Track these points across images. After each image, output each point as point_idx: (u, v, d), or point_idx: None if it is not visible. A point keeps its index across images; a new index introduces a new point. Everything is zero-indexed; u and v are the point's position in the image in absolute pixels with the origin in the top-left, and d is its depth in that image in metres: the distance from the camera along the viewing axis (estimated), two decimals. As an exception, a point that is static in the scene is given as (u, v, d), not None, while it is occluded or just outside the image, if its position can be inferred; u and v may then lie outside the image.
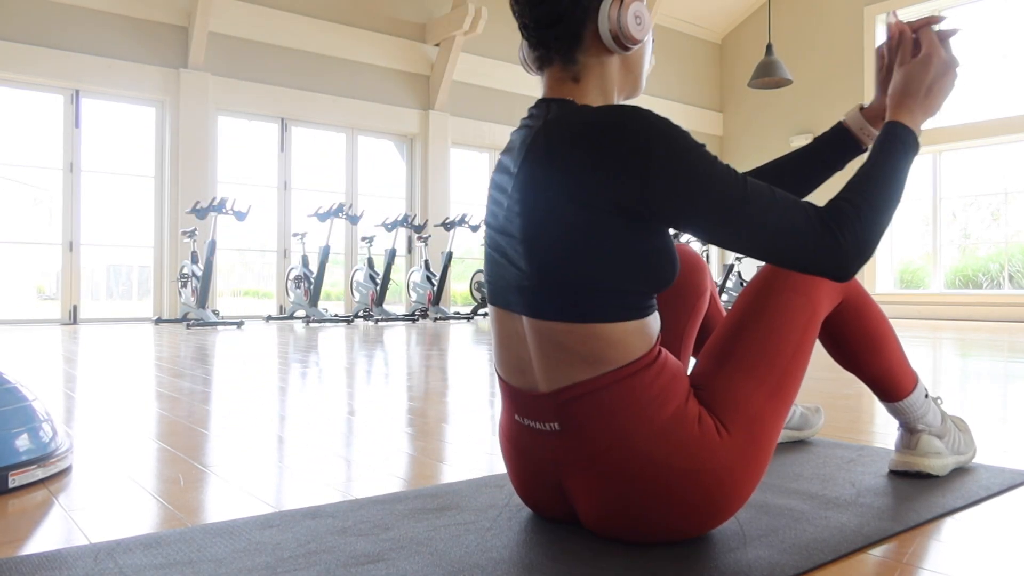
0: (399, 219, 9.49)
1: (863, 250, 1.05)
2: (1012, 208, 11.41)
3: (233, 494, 1.50)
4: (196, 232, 8.47)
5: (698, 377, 1.19)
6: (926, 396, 1.53)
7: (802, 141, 13.03)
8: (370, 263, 9.78)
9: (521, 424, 1.20)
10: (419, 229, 9.89)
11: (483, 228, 10.51)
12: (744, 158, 14.02)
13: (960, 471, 1.60)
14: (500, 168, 1.22)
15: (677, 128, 1.05)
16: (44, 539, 1.24)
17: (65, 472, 1.67)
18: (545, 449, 1.17)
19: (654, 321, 1.14)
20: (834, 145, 1.38)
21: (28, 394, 1.74)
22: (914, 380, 1.51)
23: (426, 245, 10.30)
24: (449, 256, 9.80)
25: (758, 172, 1.47)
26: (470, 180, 11.63)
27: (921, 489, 1.46)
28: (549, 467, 1.18)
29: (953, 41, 1.17)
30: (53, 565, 1.09)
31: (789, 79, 8.71)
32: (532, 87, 11.51)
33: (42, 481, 1.59)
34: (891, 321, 10.16)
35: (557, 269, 1.09)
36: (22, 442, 1.60)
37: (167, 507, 1.41)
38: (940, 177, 11.89)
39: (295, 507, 1.40)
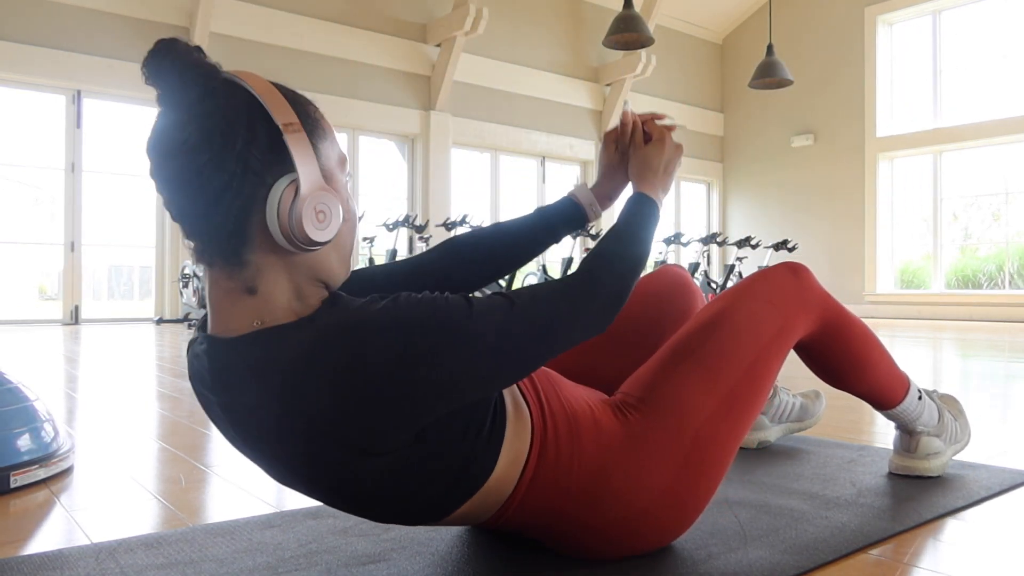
0: (400, 219, 9.50)
1: (618, 301, 1.03)
2: (1013, 208, 11.40)
3: (234, 494, 1.50)
4: (197, 232, 8.47)
5: (648, 373, 1.15)
6: (919, 397, 1.53)
7: (803, 141, 13.03)
8: (371, 263, 9.78)
9: None
10: (420, 229, 9.89)
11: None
12: (745, 158, 14.02)
13: (960, 471, 1.60)
14: (224, 422, 0.97)
15: (417, 321, 0.86)
16: (46, 539, 1.24)
17: (67, 472, 1.68)
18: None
19: (512, 408, 1.02)
20: (564, 216, 1.28)
21: (30, 394, 1.75)
22: (905, 385, 1.50)
23: (427, 245, 10.31)
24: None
25: (494, 231, 1.28)
26: (471, 180, 11.63)
27: (921, 489, 1.46)
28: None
29: (674, 134, 1.26)
30: (55, 565, 1.09)
31: (790, 79, 8.71)
32: (534, 88, 11.52)
33: (44, 481, 1.60)
34: (891, 321, 10.16)
35: (385, 510, 0.98)
36: (24, 442, 1.60)
37: (168, 507, 1.41)
38: (941, 177, 11.88)
39: (296, 507, 1.40)
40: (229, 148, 0.85)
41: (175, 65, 0.88)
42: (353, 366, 0.84)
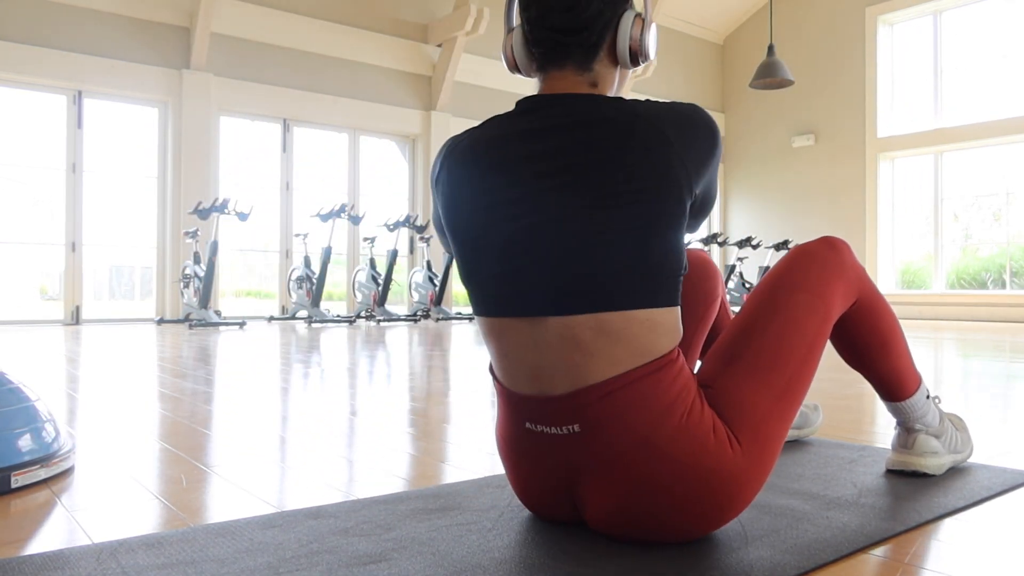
0: (401, 220, 9.50)
1: None
2: (1014, 209, 11.40)
3: (235, 494, 1.50)
4: (198, 232, 8.48)
5: (705, 377, 1.18)
6: (927, 397, 1.54)
7: (804, 142, 13.03)
8: (372, 263, 9.78)
9: (532, 430, 1.18)
10: (421, 230, 9.89)
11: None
12: (745, 158, 14.01)
13: (961, 471, 1.60)
14: (501, 170, 1.16)
15: (715, 124, 1.19)
16: (47, 539, 1.24)
17: (68, 472, 1.68)
18: (559, 453, 1.16)
19: (679, 320, 1.16)
20: None
21: (31, 394, 1.75)
22: (917, 381, 1.51)
23: (428, 245, 10.31)
24: (451, 257, 9.78)
25: None
26: (472, 181, 11.62)
27: (922, 489, 1.46)
28: (561, 471, 1.18)
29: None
30: (56, 565, 1.09)
31: (791, 80, 8.70)
32: (535, 88, 11.50)
33: (45, 481, 1.60)
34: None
35: (619, 255, 1.09)
36: (25, 442, 1.60)
37: (169, 507, 1.42)
38: (942, 178, 11.88)
39: (297, 507, 1.40)
40: None
41: None
42: (677, 117, 1.13)
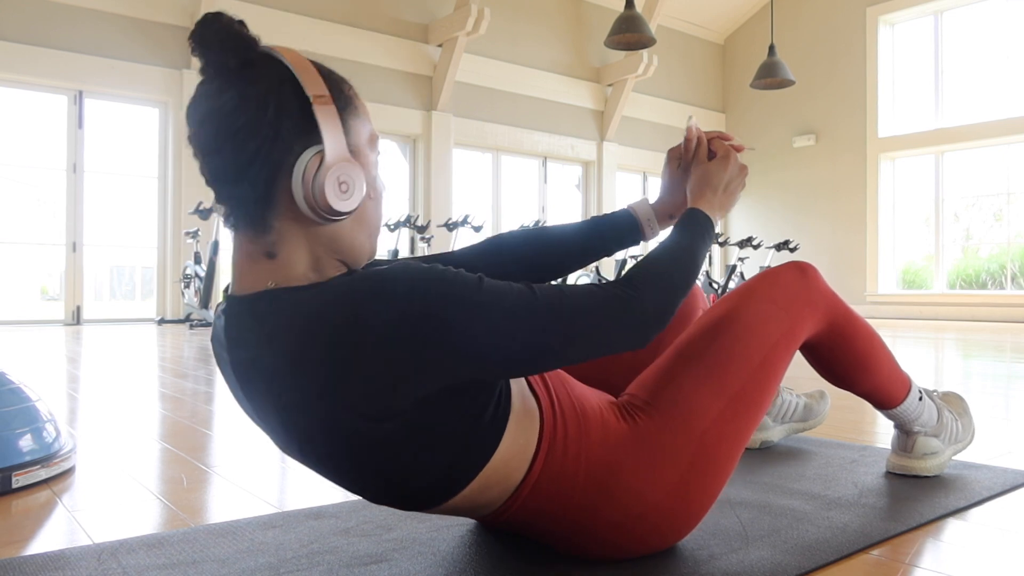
0: (402, 220, 9.50)
1: (661, 318, 1.00)
2: (1014, 209, 11.39)
3: (236, 494, 1.50)
4: (199, 233, 8.48)
5: (655, 375, 1.14)
6: (920, 397, 1.53)
7: (804, 142, 13.02)
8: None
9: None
10: (422, 230, 9.90)
11: (486, 230, 10.51)
12: (747, 159, 14.01)
13: (962, 471, 1.60)
14: (238, 389, 0.98)
15: (422, 289, 0.86)
16: (48, 539, 1.25)
17: (68, 472, 1.68)
18: (501, 526, 1.13)
19: (518, 400, 1.01)
20: (618, 229, 1.26)
21: (31, 394, 1.75)
22: (907, 386, 1.50)
23: (429, 245, 10.31)
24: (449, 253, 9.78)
25: (541, 232, 1.28)
26: (473, 181, 11.63)
27: (923, 489, 1.46)
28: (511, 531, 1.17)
29: (741, 155, 1.23)
30: (57, 565, 1.09)
31: (792, 80, 8.70)
32: (536, 88, 11.52)
33: (46, 481, 1.60)
34: (893, 322, 10.15)
35: (387, 481, 0.96)
36: (26, 442, 1.60)
37: (170, 507, 1.42)
38: (942, 178, 11.87)
39: (298, 508, 1.40)
40: (262, 115, 0.89)
41: (218, 35, 0.91)
42: (353, 323, 0.84)
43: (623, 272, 0.99)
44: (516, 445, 0.99)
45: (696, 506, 1.09)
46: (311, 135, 0.90)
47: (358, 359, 0.85)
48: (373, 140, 0.98)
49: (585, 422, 1.05)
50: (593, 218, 1.27)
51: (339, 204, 0.89)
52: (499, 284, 0.91)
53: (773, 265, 1.38)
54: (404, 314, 0.84)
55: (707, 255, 1.09)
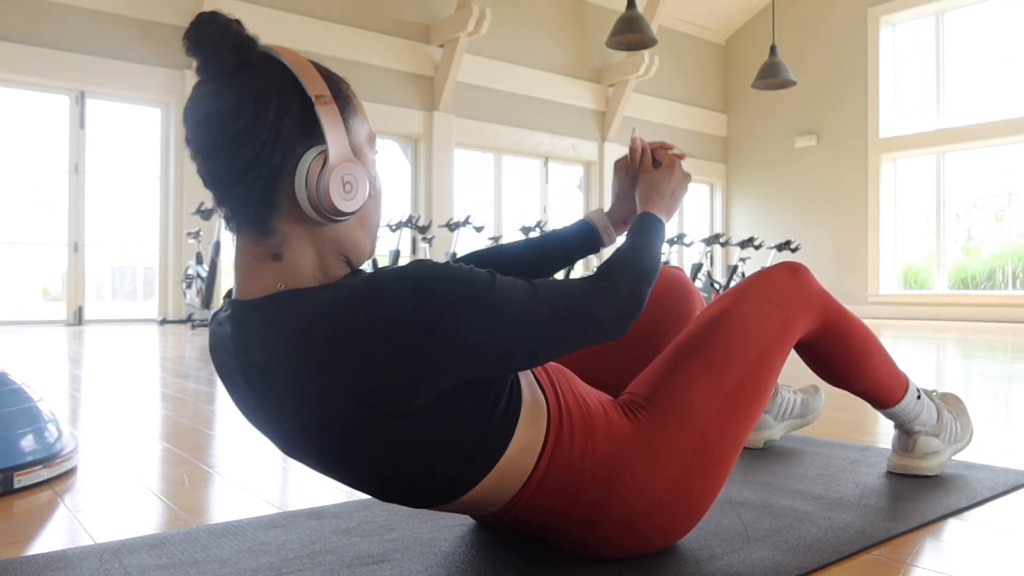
0: (403, 220, 9.50)
1: (636, 304, 1.03)
2: (1016, 209, 11.38)
3: (237, 495, 1.51)
4: (201, 233, 8.48)
5: (654, 374, 1.15)
6: (919, 396, 1.54)
7: (806, 142, 13.02)
8: (374, 264, 9.78)
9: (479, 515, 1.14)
10: (423, 230, 9.90)
11: (487, 230, 10.51)
12: (748, 159, 14.01)
13: (963, 471, 1.60)
14: (240, 392, 0.99)
15: (428, 287, 0.86)
16: (49, 539, 1.25)
17: (70, 473, 1.68)
18: (504, 526, 1.15)
19: (528, 393, 1.02)
20: (579, 239, 1.31)
21: (33, 395, 1.75)
22: (904, 385, 1.51)
23: (430, 246, 10.31)
24: (453, 257, 9.81)
25: (498, 251, 1.31)
26: (474, 181, 11.63)
27: (924, 490, 1.46)
28: (514, 531, 1.17)
29: (683, 162, 1.30)
30: (58, 565, 1.09)
31: (793, 80, 8.70)
32: (537, 88, 11.52)
33: (47, 482, 1.60)
34: (894, 322, 10.15)
35: (397, 484, 0.98)
36: (28, 443, 1.60)
37: (172, 508, 1.42)
38: (944, 178, 11.87)
39: (299, 508, 1.40)
40: (262, 117, 0.88)
41: (215, 36, 0.90)
42: (372, 321, 0.85)
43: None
44: (527, 437, 1.00)
45: (698, 501, 1.09)
46: (312, 136, 0.90)
47: (378, 357, 0.85)
48: (372, 139, 0.99)
49: (590, 418, 1.06)
50: (550, 232, 1.32)
51: (344, 204, 0.89)
52: (507, 281, 0.92)
53: (771, 265, 1.41)
54: (420, 311, 0.85)
55: (661, 250, 1.16)
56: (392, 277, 0.87)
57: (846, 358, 1.40)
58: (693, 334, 1.18)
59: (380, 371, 0.86)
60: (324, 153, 0.89)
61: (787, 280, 1.27)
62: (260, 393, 0.94)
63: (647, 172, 1.28)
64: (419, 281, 0.86)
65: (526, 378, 1.04)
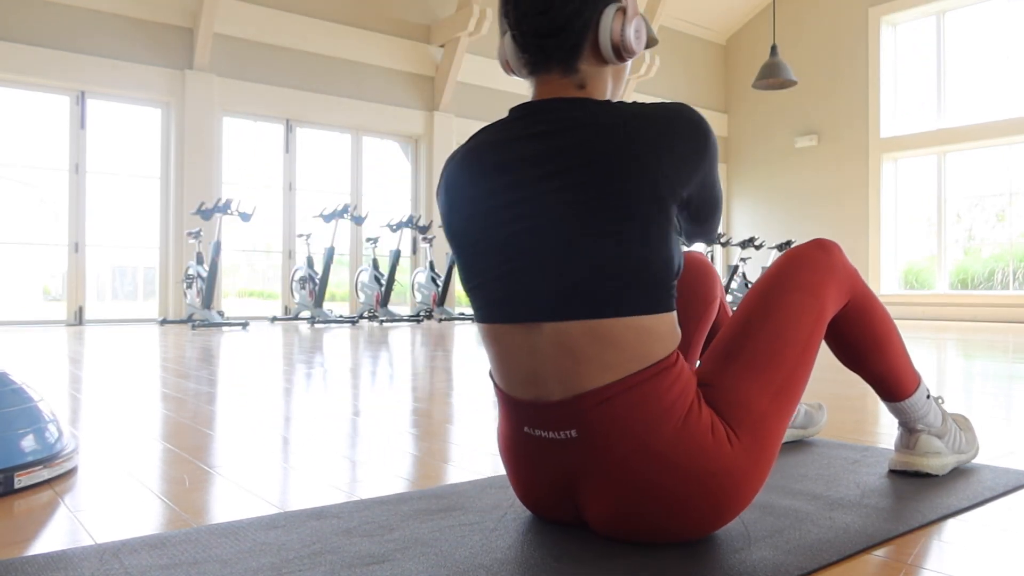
0: (404, 220, 9.50)
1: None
2: (1017, 209, 11.38)
3: (238, 495, 1.51)
4: (201, 233, 8.49)
5: (704, 376, 1.19)
6: (928, 397, 1.54)
7: (807, 142, 13.01)
8: (375, 264, 9.78)
9: (530, 435, 1.18)
10: (424, 230, 9.90)
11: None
12: (748, 159, 14.00)
13: (964, 471, 1.60)
14: (501, 172, 1.17)
15: (709, 126, 1.18)
16: (50, 539, 1.25)
17: (71, 473, 1.68)
18: (557, 457, 1.16)
19: (675, 324, 1.16)
20: None
21: (34, 395, 1.75)
22: (916, 381, 1.51)
23: (431, 246, 10.31)
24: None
25: None
26: (474, 181, 11.63)
27: (925, 490, 1.46)
28: (560, 474, 1.18)
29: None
30: (59, 565, 1.09)
31: (794, 80, 8.70)
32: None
33: (48, 482, 1.60)
34: (895, 322, 10.14)
35: (609, 261, 1.09)
36: (28, 443, 1.60)
37: (172, 508, 1.42)
38: (945, 178, 11.86)
39: (300, 508, 1.40)
40: None
41: None
42: (663, 128, 1.10)
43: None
44: (668, 330, 1.13)
45: (744, 491, 1.13)
46: None
47: (626, 157, 1.08)
48: None
49: (690, 385, 1.14)
50: None
51: (638, 47, 1.19)
52: None
53: (800, 244, 1.46)
54: (711, 147, 1.15)
55: None
56: (668, 106, 1.15)
57: (867, 339, 1.41)
58: (739, 334, 1.21)
59: (653, 163, 1.08)
60: (623, 8, 1.17)
61: (820, 260, 1.29)
62: (521, 176, 1.14)
63: None
64: (705, 124, 1.17)
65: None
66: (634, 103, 1.14)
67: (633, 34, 1.17)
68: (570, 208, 1.10)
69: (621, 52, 1.17)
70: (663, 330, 1.12)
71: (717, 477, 1.10)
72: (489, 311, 1.19)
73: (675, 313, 1.15)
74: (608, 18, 1.15)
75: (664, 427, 1.09)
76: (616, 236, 1.08)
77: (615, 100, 1.20)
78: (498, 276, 1.17)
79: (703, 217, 1.20)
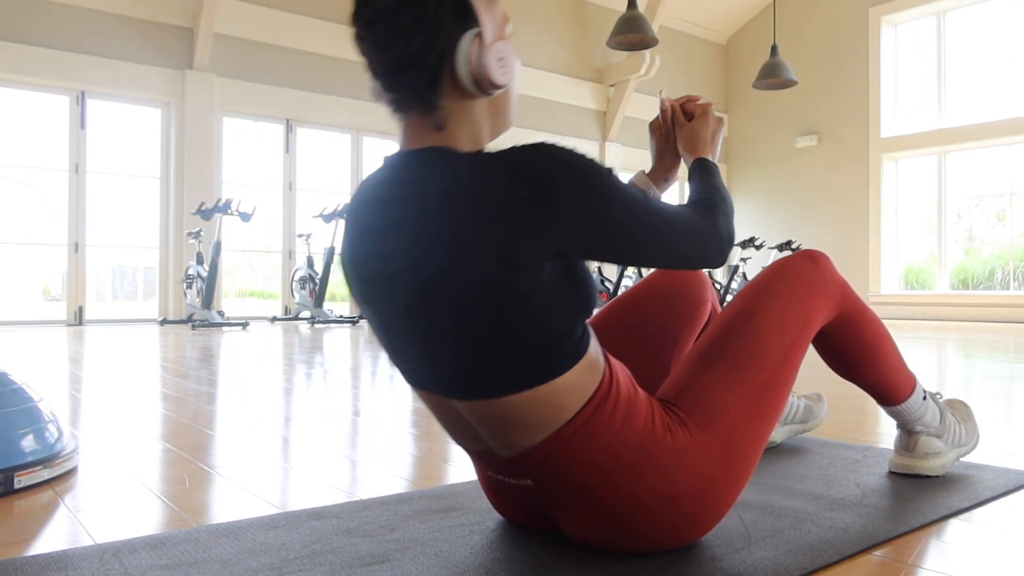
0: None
1: (731, 237, 1.16)
2: (1017, 209, 11.38)
3: (238, 495, 1.51)
4: (201, 233, 8.48)
5: (680, 377, 1.16)
6: (924, 397, 1.54)
7: (807, 142, 13.01)
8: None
9: (493, 477, 1.17)
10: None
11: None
12: (749, 159, 14.00)
13: (965, 472, 1.60)
14: (365, 240, 1.07)
15: (580, 156, 1.00)
16: (50, 540, 1.25)
17: (71, 473, 1.68)
18: (524, 495, 1.15)
19: (594, 346, 1.07)
20: None
21: (34, 395, 1.75)
22: (912, 383, 1.51)
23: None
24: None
25: None
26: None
27: (926, 490, 1.46)
28: (533, 506, 1.18)
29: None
30: (59, 566, 1.09)
31: (794, 80, 8.70)
32: (532, 88, 11.52)
33: (48, 482, 1.60)
34: (895, 322, 10.14)
35: (483, 342, 0.99)
36: (28, 443, 1.60)
37: (172, 508, 1.42)
38: (945, 178, 11.86)
39: (300, 508, 1.40)
40: (424, 9, 1.01)
41: None
42: (503, 181, 0.96)
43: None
44: (581, 379, 1.04)
45: (722, 496, 1.11)
46: (466, 21, 1.03)
47: (499, 210, 0.95)
48: (506, 21, 1.10)
49: (634, 403, 1.08)
50: None
51: (501, 77, 1.04)
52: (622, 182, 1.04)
53: (789, 254, 1.42)
54: (580, 183, 0.97)
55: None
56: (533, 148, 0.99)
57: (858, 349, 1.40)
58: (716, 337, 1.19)
59: (527, 219, 0.95)
60: (480, 35, 1.02)
61: (807, 270, 1.27)
62: (394, 237, 1.02)
63: (682, 126, 1.37)
64: (584, 161, 0.99)
65: (594, 339, 1.08)
66: (480, 154, 1.01)
67: (494, 62, 1.02)
68: (424, 286, 1.00)
69: (482, 84, 1.03)
70: (578, 381, 1.03)
71: (686, 494, 1.07)
72: (399, 369, 1.14)
73: (587, 354, 1.05)
74: (465, 45, 1.02)
75: (619, 458, 1.05)
76: (480, 313, 0.98)
77: (489, 136, 1.11)
78: (387, 347, 1.11)
79: (640, 256, 1.05)
